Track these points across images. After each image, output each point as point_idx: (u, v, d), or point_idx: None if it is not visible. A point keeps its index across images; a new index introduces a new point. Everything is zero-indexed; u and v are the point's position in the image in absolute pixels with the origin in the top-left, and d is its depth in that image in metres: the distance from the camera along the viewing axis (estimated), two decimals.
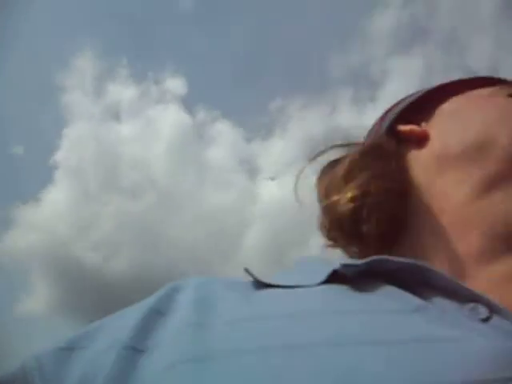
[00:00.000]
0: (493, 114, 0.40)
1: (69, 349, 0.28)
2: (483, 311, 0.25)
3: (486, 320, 0.25)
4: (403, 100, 0.46)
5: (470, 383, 0.21)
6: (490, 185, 0.36)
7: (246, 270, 0.33)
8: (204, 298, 0.30)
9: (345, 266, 0.30)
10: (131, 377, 0.24)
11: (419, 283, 0.29)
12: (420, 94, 0.46)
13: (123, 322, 0.29)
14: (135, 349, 0.26)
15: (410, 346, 0.23)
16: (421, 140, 0.42)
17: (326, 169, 0.43)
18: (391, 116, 0.45)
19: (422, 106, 0.44)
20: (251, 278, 0.33)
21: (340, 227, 0.39)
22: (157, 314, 0.29)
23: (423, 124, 0.43)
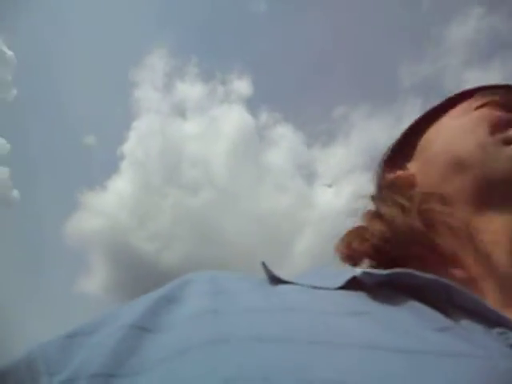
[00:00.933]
0: (454, 139, 0.42)
1: (74, 335, 0.28)
2: (511, 337, 0.25)
3: None
4: (388, 148, 0.50)
5: None
6: (479, 200, 0.38)
7: (263, 264, 0.33)
8: (219, 288, 0.30)
9: (366, 273, 0.29)
10: (136, 354, 0.24)
11: (443, 301, 0.28)
12: (400, 136, 0.50)
13: (132, 308, 0.29)
14: (143, 328, 0.26)
15: (434, 358, 0.22)
16: (409, 183, 0.44)
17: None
18: (379, 167, 0.49)
19: (406, 147, 0.48)
20: (267, 274, 0.33)
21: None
22: (168, 301, 0.29)
23: (408, 165, 0.47)
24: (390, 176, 0.47)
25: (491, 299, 0.31)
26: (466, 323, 0.26)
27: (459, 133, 0.43)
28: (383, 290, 0.29)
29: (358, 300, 0.29)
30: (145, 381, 0.22)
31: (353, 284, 0.30)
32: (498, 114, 0.43)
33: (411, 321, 0.26)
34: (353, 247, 0.42)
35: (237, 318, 0.26)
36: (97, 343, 0.26)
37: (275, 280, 0.32)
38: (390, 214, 0.41)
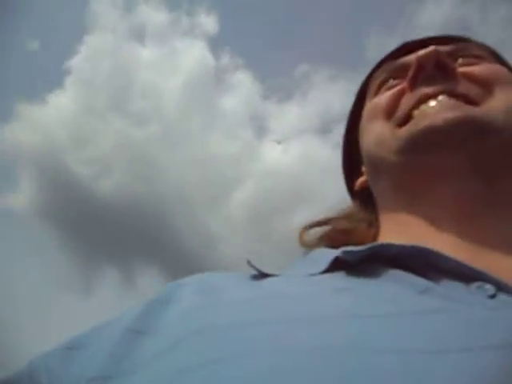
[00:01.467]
0: (364, 142, 0.44)
1: (73, 348, 0.29)
2: (490, 288, 0.26)
3: (492, 297, 0.25)
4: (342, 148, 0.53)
5: (476, 347, 0.21)
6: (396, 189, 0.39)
7: (249, 263, 0.34)
8: (206, 287, 0.32)
9: (346, 252, 0.30)
10: (131, 355, 0.25)
11: (423, 266, 0.29)
12: (345, 138, 0.52)
13: (126, 313, 0.30)
14: (137, 331, 0.27)
15: (413, 317, 0.23)
16: (367, 192, 0.46)
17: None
18: (343, 177, 0.53)
19: (353, 144, 0.49)
20: (254, 270, 0.34)
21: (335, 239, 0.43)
22: (160, 304, 0.30)
23: (363, 167, 0.48)
24: (356, 184, 0.49)
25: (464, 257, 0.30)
26: (445, 282, 0.27)
27: (365, 133, 0.43)
28: (365, 266, 0.30)
29: (341, 278, 0.30)
30: (140, 377, 0.23)
31: (337, 265, 0.31)
32: (385, 96, 0.42)
33: (393, 289, 0.27)
34: (334, 233, 0.45)
35: (221, 309, 0.27)
36: (94, 351, 0.27)
37: (261, 275, 0.33)
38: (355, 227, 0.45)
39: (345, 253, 0.30)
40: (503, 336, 0.22)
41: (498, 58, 0.45)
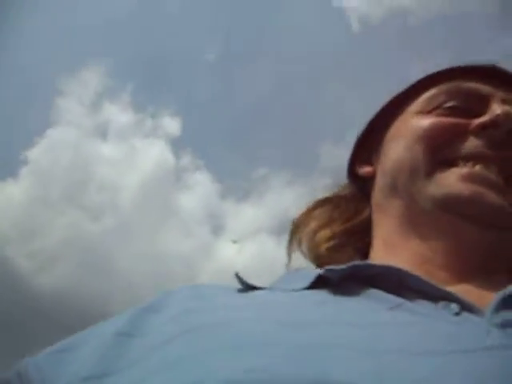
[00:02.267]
0: (397, 159, 0.43)
1: (64, 351, 0.30)
2: (455, 307, 0.28)
3: (457, 314, 0.28)
4: (356, 138, 0.51)
5: (443, 351, 0.24)
6: (406, 225, 0.41)
7: (237, 275, 0.36)
8: (196, 295, 0.33)
9: (328, 270, 0.33)
10: (124, 355, 0.26)
11: (397, 286, 0.31)
12: (368, 125, 0.50)
13: (117, 320, 0.31)
14: (128, 334, 0.29)
15: (383, 327, 0.26)
16: (372, 177, 0.47)
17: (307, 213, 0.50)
18: (348, 161, 0.51)
19: (376, 135, 0.49)
20: (241, 282, 0.36)
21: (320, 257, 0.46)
22: (150, 311, 0.32)
23: (374, 158, 0.48)
24: (360, 170, 0.49)
25: (437, 278, 0.33)
26: (415, 300, 0.29)
27: (401, 150, 0.43)
28: (346, 284, 0.32)
29: (322, 294, 0.32)
30: (133, 372, 0.25)
31: (319, 283, 0.33)
32: (441, 124, 0.41)
33: (367, 304, 0.30)
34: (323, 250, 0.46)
35: (213, 311, 0.29)
36: (85, 354, 0.28)
37: (248, 287, 0.35)
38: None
39: (327, 271, 0.33)
40: (467, 343, 0.24)
41: None
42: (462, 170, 0.38)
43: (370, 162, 0.49)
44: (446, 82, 0.45)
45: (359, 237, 0.47)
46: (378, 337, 0.25)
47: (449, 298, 0.29)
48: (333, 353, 0.23)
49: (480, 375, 0.22)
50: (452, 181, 0.37)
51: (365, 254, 0.45)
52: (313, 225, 0.48)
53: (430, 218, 0.39)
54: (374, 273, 0.32)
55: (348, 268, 0.33)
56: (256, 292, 0.35)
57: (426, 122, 0.42)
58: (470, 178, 0.37)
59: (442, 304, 0.29)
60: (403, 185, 0.41)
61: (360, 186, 0.49)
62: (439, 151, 0.40)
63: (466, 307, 0.28)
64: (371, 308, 0.29)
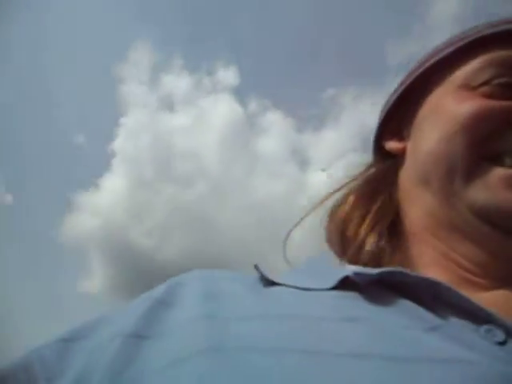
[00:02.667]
0: (434, 148, 0.38)
1: (70, 340, 0.28)
2: (499, 334, 0.25)
3: (502, 344, 0.25)
4: (386, 103, 0.46)
5: None
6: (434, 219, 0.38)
7: (256, 267, 0.33)
8: (212, 291, 0.30)
9: (357, 274, 0.30)
10: (135, 362, 0.24)
11: (431, 299, 0.28)
12: (399, 91, 0.44)
13: (127, 313, 0.29)
14: (140, 336, 0.26)
15: (423, 365, 0.23)
16: (401, 155, 0.42)
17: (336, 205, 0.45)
18: (376, 131, 0.46)
19: (406, 103, 0.44)
20: (260, 276, 0.33)
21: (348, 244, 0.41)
22: (162, 305, 0.29)
23: (405, 132, 0.43)
24: (388, 144, 0.45)
25: (469, 285, 0.32)
26: (454, 321, 0.27)
27: (438, 140, 0.37)
28: (374, 289, 0.29)
29: (351, 303, 0.29)
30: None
31: (345, 283, 0.30)
32: (486, 110, 0.35)
33: (402, 322, 0.26)
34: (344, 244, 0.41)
35: (230, 326, 0.26)
36: (94, 349, 0.26)
37: (268, 282, 0.32)
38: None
39: (356, 275, 0.30)
40: None
41: None
42: (508, 170, 0.33)
43: (400, 136, 0.44)
44: (498, 50, 0.37)
45: (387, 218, 0.42)
46: (414, 379, 0.22)
47: (492, 320, 0.26)
48: None
49: None
50: (494, 185, 0.33)
51: (390, 235, 0.40)
52: (346, 211, 0.43)
53: (466, 225, 0.35)
54: (407, 281, 0.29)
55: (378, 274, 0.30)
56: (277, 291, 0.31)
57: (471, 106, 0.36)
58: None
59: (484, 328, 0.26)
60: (438, 182, 0.36)
61: (386, 160, 0.44)
62: (484, 145, 0.34)
63: (511, 333, 0.25)
64: (405, 327, 0.26)
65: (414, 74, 0.43)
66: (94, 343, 0.27)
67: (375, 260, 0.38)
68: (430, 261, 0.37)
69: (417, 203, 0.40)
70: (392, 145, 0.45)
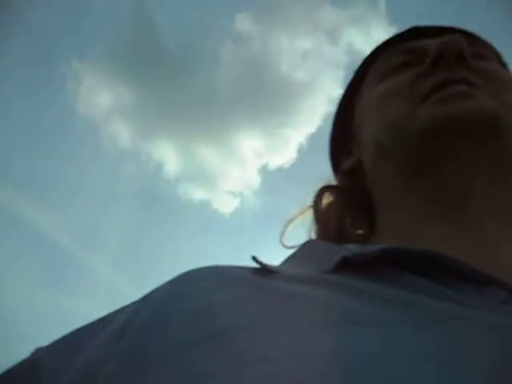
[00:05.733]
0: (370, 125, 0.42)
1: (74, 340, 0.28)
2: (502, 293, 0.26)
3: (505, 301, 0.26)
4: (330, 137, 0.50)
5: (494, 359, 0.21)
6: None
7: (254, 259, 0.32)
8: (220, 285, 0.29)
9: (355, 254, 0.30)
10: (143, 350, 0.24)
11: (433, 269, 0.29)
12: (337, 113, 0.50)
13: (136, 307, 0.28)
14: (147, 325, 0.26)
15: (435, 323, 0.23)
16: (360, 166, 0.45)
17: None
18: (329, 157, 0.50)
19: (345, 126, 0.48)
20: (259, 266, 0.32)
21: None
22: (173, 297, 0.28)
23: (353, 147, 0.46)
24: (343, 166, 0.48)
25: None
26: (457, 287, 0.27)
27: (374, 114, 0.42)
28: (374, 267, 0.29)
29: (350, 281, 0.28)
30: (157, 371, 0.22)
31: (344, 263, 0.30)
32: (401, 78, 0.40)
33: (402, 294, 0.27)
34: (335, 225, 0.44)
35: (238, 309, 0.26)
36: (100, 344, 0.26)
37: (267, 271, 0.31)
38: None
39: (354, 255, 0.30)
40: None
41: (501, 62, 0.46)
42: (433, 98, 0.37)
43: (350, 153, 0.47)
44: (398, 44, 0.44)
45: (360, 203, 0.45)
46: (422, 337, 0.22)
47: (492, 281, 0.27)
48: (384, 365, 0.20)
49: None
50: (434, 108, 0.36)
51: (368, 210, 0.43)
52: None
53: (424, 151, 0.36)
54: (408, 256, 0.29)
55: (378, 251, 0.29)
56: (278, 278, 0.30)
57: (385, 82, 0.41)
58: (444, 99, 0.36)
59: (487, 290, 0.27)
60: (390, 138, 0.39)
61: (353, 180, 0.46)
62: (409, 99, 0.38)
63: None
64: (410, 297, 0.26)
65: (341, 100, 0.50)
66: (99, 340, 0.26)
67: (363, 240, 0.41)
68: (412, 228, 0.37)
69: (385, 177, 0.41)
70: (346, 164, 0.47)
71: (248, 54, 5.13)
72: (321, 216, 0.45)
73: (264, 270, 0.31)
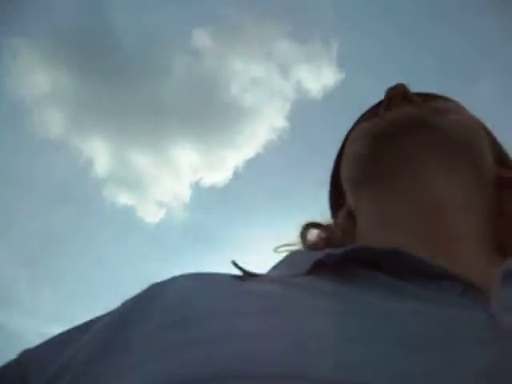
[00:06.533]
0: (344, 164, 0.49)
1: (62, 340, 0.29)
2: (458, 287, 0.28)
3: (462, 294, 0.28)
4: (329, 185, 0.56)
5: (455, 341, 0.23)
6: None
7: (234, 263, 0.34)
8: (198, 282, 0.31)
9: (326, 254, 0.32)
10: (122, 341, 0.25)
11: (397, 266, 0.31)
12: (332, 173, 0.56)
13: (116, 311, 0.30)
14: (127, 319, 0.27)
15: (391, 318, 0.25)
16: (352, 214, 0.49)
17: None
18: (330, 209, 0.56)
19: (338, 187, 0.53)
20: (239, 270, 0.34)
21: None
22: (151, 298, 0.30)
23: (346, 198, 0.51)
24: (338, 219, 0.51)
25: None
26: (418, 282, 0.29)
27: (343, 162, 0.48)
28: (346, 268, 0.31)
29: (322, 281, 0.30)
30: (130, 358, 0.23)
31: (318, 267, 0.32)
32: (361, 125, 0.47)
33: (371, 291, 0.28)
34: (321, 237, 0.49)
35: (210, 300, 0.27)
36: (75, 350, 0.27)
37: (247, 275, 0.33)
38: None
39: (325, 255, 0.32)
40: (476, 332, 0.24)
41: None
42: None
43: (343, 206, 0.52)
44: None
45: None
46: (374, 327, 0.24)
47: (450, 276, 0.29)
48: (320, 344, 0.22)
49: (493, 371, 0.21)
50: (376, 120, 0.44)
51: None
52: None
53: (378, 156, 0.42)
54: (373, 255, 0.32)
55: (344, 251, 0.32)
56: (254, 280, 0.32)
57: (349, 135, 0.50)
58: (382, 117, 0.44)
59: (445, 284, 0.29)
60: (355, 169, 0.45)
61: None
62: (366, 128, 0.46)
63: (468, 286, 0.28)
64: (374, 295, 0.28)
65: (334, 164, 0.56)
66: (86, 337, 0.28)
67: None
68: (383, 231, 0.40)
69: (362, 204, 0.46)
70: (341, 214, 0.51)
71: (200, 70, 5.13)
72: (311, 241, 0.49)
73: (243, 276, 0.33)
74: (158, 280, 0.33)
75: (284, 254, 0.47)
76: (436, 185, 0.40)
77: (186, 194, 5.43)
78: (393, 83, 0.48)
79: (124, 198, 5.47)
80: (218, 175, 5.34)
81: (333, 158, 0.56)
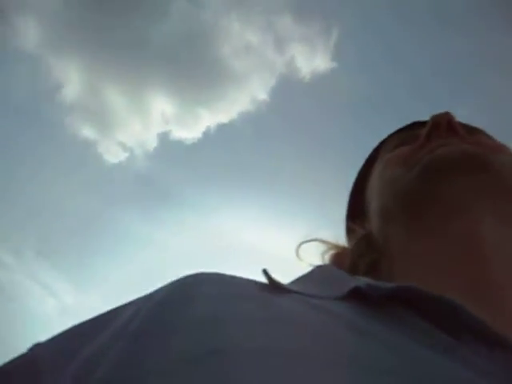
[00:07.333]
0: (376, 192, 0.48)
1: (74, 336, 0.27)
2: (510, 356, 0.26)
3: None
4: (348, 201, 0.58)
5: None
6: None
7: (265, 272, 0.32)
8: (223, 294, 0.29)
9: (370, 286, 0.30)
10: (140, 358, 0.23)
11: (446, 319, 0.28)
12: (354, 186, 0.57)
13: (135, 311, 0.27)
14: (147, 332, 0.25)
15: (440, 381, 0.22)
16: (371, 241, 0.48)
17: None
18: (345, 228, 0.56)
19: (361, 198, 0.54)
20: (269, 281, 0.32)
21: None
22: (173, 302, 0.28)
23: (365, 221, 0.51)
24: (357, 235, 0.50)
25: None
26: (469, 343, 0.26)
27: (377, 183, 0.47)
28: (385, 304, 0.29)
29: (362, 316, 0.28)
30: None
31: (355, 294, 0.30)
32: (401, 149, 0.47)
33: (415, 342, 0.25)
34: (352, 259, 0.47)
35: (235, 327, 0.25)
36: (99, 348, 0.24)
37: (276, 287, 0.31)
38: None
39: (369, 287, 0.30)
40: None
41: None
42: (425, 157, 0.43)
43: (362, 222, 0.52)
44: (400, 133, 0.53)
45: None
46: None
47: (505, 343, 0.26)
48: None
49: None
50: (425, 158, 0.42)
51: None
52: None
53: (425, 196, 0.41)
54: (421, 299, 0.29)
55: (391, 289, 0.29)
56: (284, 298, 0.30)
57: (389, 154, 0.48)
58: (432, 150, 0.42)
59: (498, 353, 0.26)
60: (392, 197, 0.43)
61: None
62: (406, 163, 0.44)
63: None
64: (417, 347, 0.25)
65: (357, 178, 0.56)
66: (99, 341, 0.26)
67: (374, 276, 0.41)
68: (426, 276, 0.38)
69: (394, 235, 0.44)
70: (356, 235, 0.50)
71: (196, 20, 4.93)
72: (336, 252, 0.49)
73: (271, 287, 0.31)
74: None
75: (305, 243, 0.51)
76: (485, 229, 0.38)
77: (151, 142, 5.31)
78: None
79: (87, 131, 5.25)
80: (188, 132, 5.25)
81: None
